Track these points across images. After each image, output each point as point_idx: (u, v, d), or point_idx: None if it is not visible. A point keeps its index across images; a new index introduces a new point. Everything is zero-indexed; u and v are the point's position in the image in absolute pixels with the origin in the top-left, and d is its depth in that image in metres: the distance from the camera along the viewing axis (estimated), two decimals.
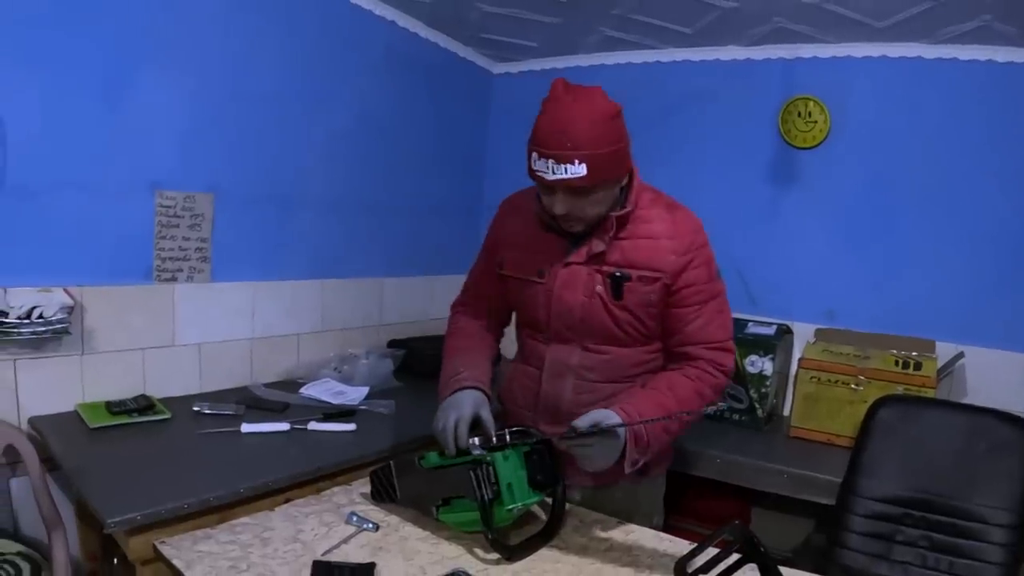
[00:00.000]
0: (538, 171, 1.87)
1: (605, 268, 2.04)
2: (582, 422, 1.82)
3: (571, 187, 1.86)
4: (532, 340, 2.26)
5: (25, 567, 2.33)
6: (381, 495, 2.05)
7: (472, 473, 1.77)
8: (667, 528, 2.15)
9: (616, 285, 2.03)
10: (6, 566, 2.31)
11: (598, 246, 2.03)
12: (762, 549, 1.60)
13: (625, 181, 2.02)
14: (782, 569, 1.62)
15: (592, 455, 1.84)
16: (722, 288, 2.15)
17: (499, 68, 4.76)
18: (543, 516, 2.02)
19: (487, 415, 2.02)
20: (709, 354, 2.09)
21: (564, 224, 2.00)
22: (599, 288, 2.05)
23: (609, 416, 1.84)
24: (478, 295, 2.41)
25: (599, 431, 1.80)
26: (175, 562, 1.65)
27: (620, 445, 1.87)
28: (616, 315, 2.06)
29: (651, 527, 2.18)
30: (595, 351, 2.13)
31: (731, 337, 2.15)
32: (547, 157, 1.83)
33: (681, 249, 2.03)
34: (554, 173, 1.83)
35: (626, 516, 2.17)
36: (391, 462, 2.04)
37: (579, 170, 1.81)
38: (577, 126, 1.82)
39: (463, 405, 2.01)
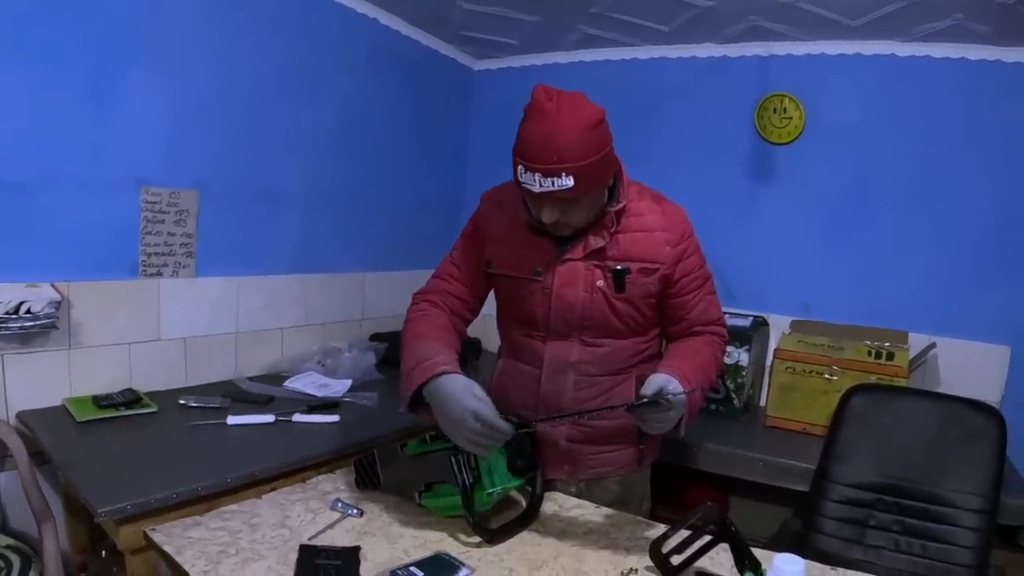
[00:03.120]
0: (525, 183, 1.84)
1: (604, 264, 2.05)
2: (648, 389, 1.78)
3: (560, 198, 1.84)
4: (527, 338, 2.21)
5: (15, 560, 2.35)
6: (365, 482, 2.07)
7: (452, 459, 1.79)
8: (647, 515, 2.19)
9: (618, 279, 2.04)
10: None
11: (596, 242, 2.03)
12: (733, 529, 1.65)
13: (611, 181, 2.01)
14: (755, 550, 1.67)
15: (667, 420, 1.82)
16: (710, 270, 2.22)
17: (480, 65, 4.79)
18: (523, 501, 2.05)
19: (481, 392, 1.84)
20: (712, 328, 2.18)
21: (553, 230, 2.00)
22: (600, 283, 2.05)
23: (670, 381, 1.81)
24: (450, 288, 2.30)
25: (665, 399, 1.76)
26: (165, 548, 1.67)
27: (683, 408, 1.85)
28: (617, 308, 2.08)
29: (641, 513, 2.24)
30: (593, 344, 2.13)
31: (723, 311, 2.24)
32: (534, 171, 1.80)
33: (675, 240, 2.07)
34: (541, 186, 1.80)
35: (621, 505, 2.21)
36: (374, 450, 2.06)
37: (567, 182, 1.79)
38: (563, 138, 1.78)
39: (462, 397, 1.81)
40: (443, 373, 1.87)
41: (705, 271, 2.19)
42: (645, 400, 1.76)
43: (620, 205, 2.03)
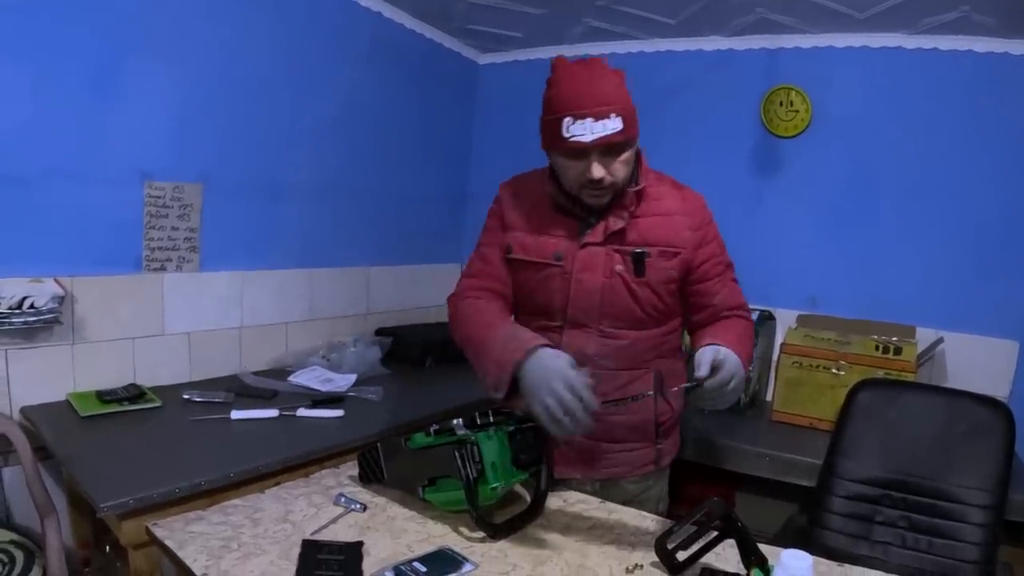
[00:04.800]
0: (574, 136, 1.85)
1: (624, 248, 2.04)
2: (702, 368, 1.75)
3: (609, 144, 1.86)
4: (542, 330, 2.07)
5: (19, 555, 2.35)
6: (369, 476, 2.07)
7: (456, 453, 1.78)
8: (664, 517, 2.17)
9: (638, 262, 2.03)
10: (0, 554, 2.33)
11: (616, 224, 2.02)
12: (740, 524, 1.63)
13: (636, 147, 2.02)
14: (761, 546, 1.66)
15: (727, 393, 1.79)
16: (731, 259, 2.22)
17: (485, 59, 4.77)
18: (527, 496, 2.03)
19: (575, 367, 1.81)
20: (737, 312, 2.16)
21: (593, 194, 1.97)
22: (619, 267, 2.04)
23: (718, 351, 1.79)
24: (492, 276, 2.22)
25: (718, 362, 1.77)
26: (167, 543, 1.66)
27: (742, 375, 1.83)
28: (637, 293, 2.06)
29: (658, 513, 2.20)
30: (612, 336, 2.10)
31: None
32: (583, 117, 1.83)
33: (695, 224, 2.08)
34: (593, 132, 1.83)
35: (637, 506, 2.17)
36: (378, 443, 2.05)
37: (616, 124, 1.84)
38: (605, 82, 1.86)
39: (560, 369, 1.76)
40: (539, 347, 1.84)
41: (726, 258, 2.18)
42: (703, 379, 1.76)
43: (640, 186, 2.04)
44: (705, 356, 1.78)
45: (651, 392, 2.00)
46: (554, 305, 2.12)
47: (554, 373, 1.75)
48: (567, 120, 1.85)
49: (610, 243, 2.04)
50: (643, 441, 2.23)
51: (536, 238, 2.13)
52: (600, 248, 2.05)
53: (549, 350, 1.83)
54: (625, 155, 1.93)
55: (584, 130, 1.84)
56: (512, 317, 2.21)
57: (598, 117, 1.83)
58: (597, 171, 1.89)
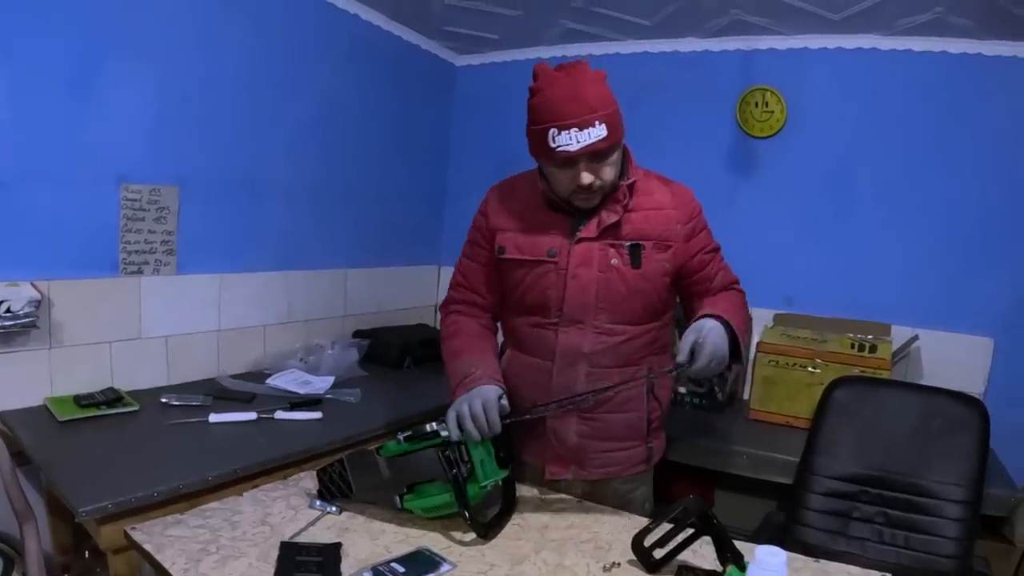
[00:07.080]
0: (561, 146, 1.87)
1: (618, 241, 2.07)
2: (681, 357, 1.88)
3: (595, 152, 1.88)
4: (537, 328, 2.18)
5: None
6: (332, 492, 1.99)
7: (441, 455, 1.78)
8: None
9: (634, 254, 2.06)
10: None
11: (609, 217, 2.05)
12: (716, 522, 1.65)
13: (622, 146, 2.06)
14: (738, 543, 1.67)
15: (712, 369, 1.90)
16: (716, 241, 2.29)
17: (462, 60, 4.77)
18: (496, 493, 2.01)
19: (504, 403, 1.97)
20: (731, 288, 2.27)
21: (583, 198, 2.01)
22: (614, 261, 2.06)
23: (699, 334, 1.89)
24: (472, 290, 2.31)
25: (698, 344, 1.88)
26: (146, 547, 1.66)
27: (725, 338, 1.93)
28: (633, 287, 2.08)
29: (643, 513, 2.21)
30: (607, 333, 2.11)
31: None
32: (568, 128, 1.84)
33: (685, 218, 2.13)
34: (579, 142, 1.85)
35: (623, 505, 2.19)
36: (343, 457, 1.99)
37: (601, 131, 1.85)
38: (586, 90, 1.86)
39: (486, 392, 1.95)
40: (480, 386, 1.98)
41: (714, 243, 2.26)
42: (682, 365, 1.88)
43: (631, 180, 2.07)
44: (686, 342, 1.89)
45: (628, 383, 2.06)
46: (549, 303, 2.13)
47: (476, 393, 1.93)
48: (552, 131, 1.87)
49: (604, 238, 2.07)
50: (635, 439, 2.24)
51: (530, 236, 2.14)
52: (595, 243, 2.06)
53: (489, 386, 1.98)
54: (612, 157, 1.96)
55: (570, 140, 1.86)
56: (488, 328, 2.33)
57: (582, 126, 1.84)
58: (586, 178, 1.93)
